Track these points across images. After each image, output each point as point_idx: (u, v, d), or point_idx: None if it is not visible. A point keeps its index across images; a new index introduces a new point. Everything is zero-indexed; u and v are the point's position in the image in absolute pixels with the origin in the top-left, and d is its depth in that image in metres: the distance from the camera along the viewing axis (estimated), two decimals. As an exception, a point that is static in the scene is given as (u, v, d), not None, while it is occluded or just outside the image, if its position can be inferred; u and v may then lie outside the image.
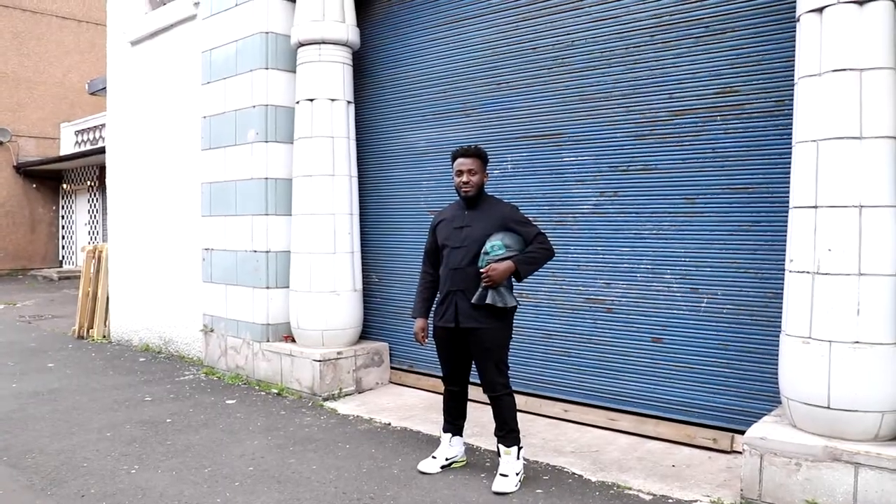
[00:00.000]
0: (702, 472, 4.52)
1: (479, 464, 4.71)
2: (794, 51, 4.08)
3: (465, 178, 4.38)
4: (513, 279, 4.32)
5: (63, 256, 22.41)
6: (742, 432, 4.15)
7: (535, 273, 4.48)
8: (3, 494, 4.27)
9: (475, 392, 4.68)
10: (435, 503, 4.09)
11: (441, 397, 4.72)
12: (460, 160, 4.41)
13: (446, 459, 4.63)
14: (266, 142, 6.98)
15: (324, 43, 6.63)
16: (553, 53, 5.67)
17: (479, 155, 4.43)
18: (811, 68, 3.80)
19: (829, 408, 3.70)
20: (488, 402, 4.42)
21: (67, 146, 20.90)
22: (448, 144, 6.24)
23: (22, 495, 4.26)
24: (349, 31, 6.71)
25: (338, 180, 6.66)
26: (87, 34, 22.33)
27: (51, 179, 21.98)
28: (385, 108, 7.02)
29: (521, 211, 4.51)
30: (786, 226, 4.05)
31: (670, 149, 5.08)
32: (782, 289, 4.06)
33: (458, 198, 4.54)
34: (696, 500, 4.08)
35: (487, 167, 4.51)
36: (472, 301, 4.26)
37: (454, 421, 4.66)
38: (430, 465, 4.61)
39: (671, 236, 5.09)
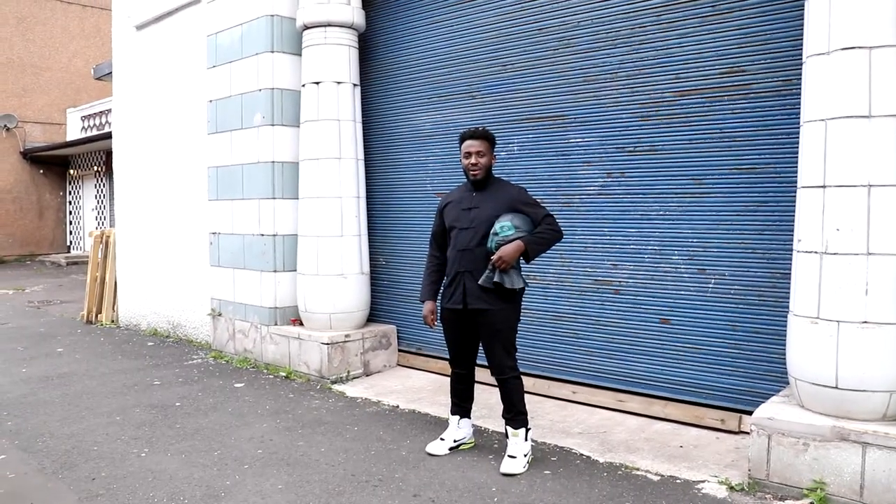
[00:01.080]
0: (710, 453, 4.53)
1: (488, 445, 4.73)
2: (801, 29, 4.05)
3: (473, 161, 4.37)
4: (521, 260, 4.32)
5: (71, 242, 22.50)
6: (750, 413, 4.15)
7: (543, 255, 4.48)
8: (15, 478, 4.31)
9: (483, 374, 4.69)
10: (443, 484, 4.11)
11: (449, 380, 4.72)
12: (468, 142, 4.39)
13: (454, 441, 4.65)
14: (272, 125, 6.97)
15: (329, 25, 6.60)
16: (558, 34, 5.64)
17: (488, 137, 4.41)
18: (819, 47, 3.77)
19: (836, 388, 3.70)
20: (496, 384, 4.43)
21: (74, 132, 20.92)
22: (454, 127, 6.23)
23: (33, 479, 4.30)
24: (355, 13, 6.68)
25: (344, 163, 6.65)
26: (91, 19, 22.30)
27: (58, 165, 22.03)
28: (391, 90, 6.99)
29: (529, 193, 4.50)
30: (793, 206, 4.03)
31: (677, 129, 5.05)
32: (790, 269, 4.04)
33: (465, 180, 4.53)
34: (703, 481, 4.09)
35: (494, 149, 4.50)
36: (479, 283, 4.26)
37: (462, 403, 4.67)
38: (439, 447, 4.62)
39: (678, 217, 5.07)
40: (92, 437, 5.01)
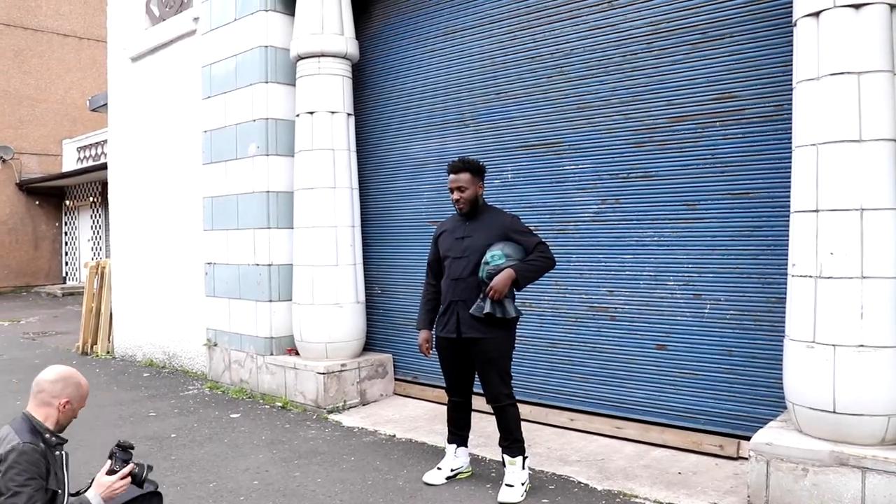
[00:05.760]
0: (708, 479, 4.50)
1: (485, 474, 4.70)
2: (791, 55, 4.09)
3: (455, 196, 4.40)
4: (513, 288, 4.31)
5: (66, 273, 22.44)
6: (748, 438, 4.13)
7: (538, 281, 4.48)
8: (8, 513, 4.26)
9: (479, 402, 4.67)
10: (441, 515, 4.07)
11: (445, 408, 4.70)
12: (450, 177, 4.41)
13: (451, 470, 4.62)
14: (267, 155, 7.00)
15: (323, 56, 6.64)
16: (551, 62, 5.68)
17: (469, 168, 4.40)
18: (809, 72, 3.81)
19: (834, 412, 3.69)
20: (492, 412, 4.41)
21: (70, 163, 20.96)
22: (448, 155, 6.23)
23: (27, 513, 4.25)
24: (348, 43, 6.73)
25: (339, 192, 6.67)
26: (88, 51, 22.43)
27: (53, 196, 22.02)
28: (385, 119, 7.03)
29: (523, 220, 4.50)
30: (787, 230, 4.05)
31: (670, 155, 5.08)
32: (785, 293, 4.05)
33: (458, 209, 4.54)
34: (703, 508, 4.06)
35: (486, 177, 4.50)
36: (471, 312, 4.26)
37: (459, 432, 4.65)
38: (436, 476, 4.59)
39: (673, 242, 5.09)
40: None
